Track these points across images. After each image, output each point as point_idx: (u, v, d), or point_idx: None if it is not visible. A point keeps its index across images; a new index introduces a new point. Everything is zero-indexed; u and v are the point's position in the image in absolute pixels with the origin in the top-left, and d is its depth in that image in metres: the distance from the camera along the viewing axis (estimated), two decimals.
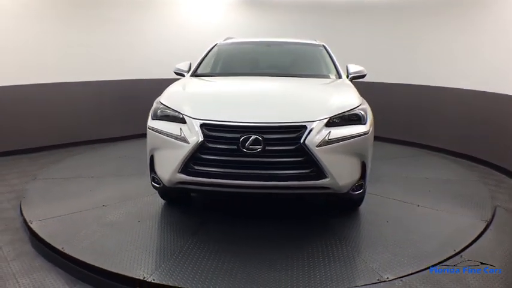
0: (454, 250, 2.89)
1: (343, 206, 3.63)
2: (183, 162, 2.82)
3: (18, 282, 2.61)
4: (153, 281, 2.44)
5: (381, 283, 2.46)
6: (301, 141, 2.73)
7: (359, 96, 3.36)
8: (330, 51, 4.47)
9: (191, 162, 2.83)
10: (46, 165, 5.17)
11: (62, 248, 2.82)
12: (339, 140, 2.82)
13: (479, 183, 4.57)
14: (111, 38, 6.53)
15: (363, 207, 3.68)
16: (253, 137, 2.72)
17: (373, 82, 5.90)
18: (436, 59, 6.24)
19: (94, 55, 6.36)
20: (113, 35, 6.55)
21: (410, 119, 6.62)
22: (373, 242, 3.04)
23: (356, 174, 2.98)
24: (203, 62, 4.37)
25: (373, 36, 6.89)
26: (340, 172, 2.84)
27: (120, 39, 6.61)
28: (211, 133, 2.81)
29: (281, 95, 3.43)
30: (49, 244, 2.93)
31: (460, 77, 5.90)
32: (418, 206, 3.78)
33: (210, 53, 4.54)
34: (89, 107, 6.41)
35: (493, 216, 3.59)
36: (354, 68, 4.14)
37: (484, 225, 3.37)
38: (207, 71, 4.28)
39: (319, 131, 2.78)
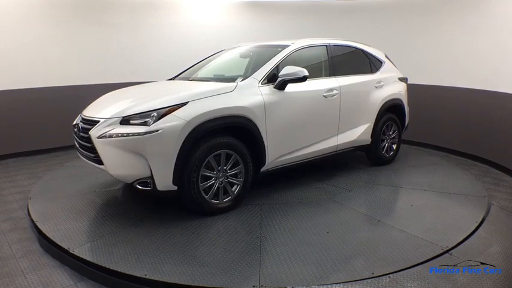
0: (444, 247, 2.96)
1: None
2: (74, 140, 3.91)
3: (26, 278, 2.75)
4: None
5: (369, 279, 2.55)
6: (89, 131, 3.39)
7: (182, 99, 3.36)
8: (283, 53, 4.12)
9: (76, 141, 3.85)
10: (53, 166, 5.35)
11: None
12: (118, 135, 3.22)
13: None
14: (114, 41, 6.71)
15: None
16: (80, 126, 3.65)
17: None
18: (437, 59, 6.30)
19: (100, 59, 6.55)
20: (114, 39, 6.73)
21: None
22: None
23: (140, 170, 3.26)
24: (194, 66, 4.84)
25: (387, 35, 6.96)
26: (114, 163, 3.33)
27: (120, 43, 6.78)
28: (78, 122, 3.77)
29: (130, 97, 3.82)
30: (55, 243, 3.08)
31: (461, 77, 5.95)
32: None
33: (209, 57, 4.89)
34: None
35: (487, 214, 3.66)
36: (286, 70, 3.85)
37: (477, 223, 3.43)
38: (192, 75, 4.66)
39: (107, 126, 3.32)
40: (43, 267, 2.91)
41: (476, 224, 3.40)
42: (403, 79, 5.56)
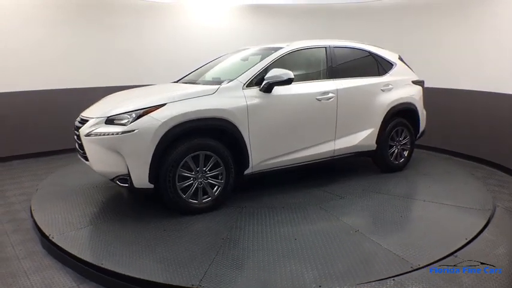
0: (449, 250, 2.92)
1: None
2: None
3: (29, 279, 2.75)
4: None
5: (373, 282, 2.52)
6: (79, 129, 3.59)
7: (160, 101, 3.46)
8: (274, 55, 4.06)
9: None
10: (57, 169, 5.36)
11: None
12: (100, 134, 3.42)
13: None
14: (116, 44, 6.73)
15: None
16: (76, 125, 3.79)
17: None
18: (440, 60, 6.27)
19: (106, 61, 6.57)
20: (118, 41, 6.75)
21: None
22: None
23: (119, 168, 3.42)
24: (199, 69, 4.87)
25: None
26: (96, 160, 3.54)
27: (123, 46, 6.81)
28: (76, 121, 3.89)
29: (124, 98, 3.93)
30: (56, 244, 3.09)
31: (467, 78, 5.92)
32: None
33: (215, 60, 4.94)
34: None
35: (492, 216, 3.62)
36: (272, 73, 3.80)
37: (482, 225, 3.39)
38: (193, 78, 4.67)
39: (93, 125, 3.49)
40: (46, 268, 2.91)
41: (466, 241, 3.09)
42: (418, 82, 5.27)
